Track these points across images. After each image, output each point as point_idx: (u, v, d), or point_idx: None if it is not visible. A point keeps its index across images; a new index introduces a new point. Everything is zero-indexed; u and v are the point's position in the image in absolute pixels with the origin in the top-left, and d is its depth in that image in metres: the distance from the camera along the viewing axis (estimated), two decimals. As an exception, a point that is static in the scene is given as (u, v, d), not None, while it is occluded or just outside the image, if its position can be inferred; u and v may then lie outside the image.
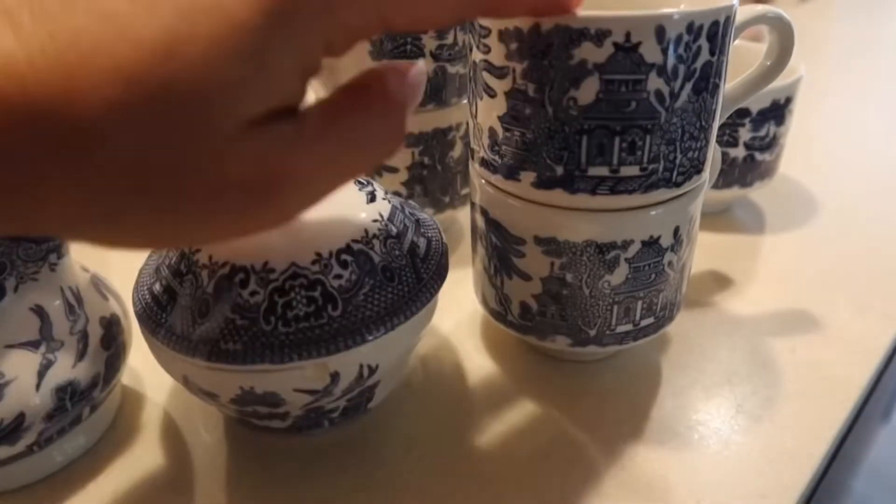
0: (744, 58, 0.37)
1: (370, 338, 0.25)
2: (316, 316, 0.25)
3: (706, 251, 0.42)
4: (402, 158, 0.38)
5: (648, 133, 0.25)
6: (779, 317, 0.36)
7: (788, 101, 0.40)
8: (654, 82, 0.24)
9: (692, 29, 0.24)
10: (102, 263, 0.40)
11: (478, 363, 0.34)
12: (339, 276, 0.26)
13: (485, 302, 0.33)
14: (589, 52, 0.24)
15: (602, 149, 0.25)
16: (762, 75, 0.31)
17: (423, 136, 0.38)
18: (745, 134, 0.40)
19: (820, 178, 0.50)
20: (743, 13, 0.28)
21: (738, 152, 0.41)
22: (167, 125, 0.14)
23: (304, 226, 0.26)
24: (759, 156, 0.41)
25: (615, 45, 0.24)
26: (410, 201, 0.33)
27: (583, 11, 0.23)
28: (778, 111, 0.40)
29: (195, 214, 0.15)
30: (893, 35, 0.84)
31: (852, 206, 0.46)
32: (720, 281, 0.39)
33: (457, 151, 0.39)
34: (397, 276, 0.27)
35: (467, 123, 0.39)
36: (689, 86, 0.25)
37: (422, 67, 0.19)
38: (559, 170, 0.26)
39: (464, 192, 0.41)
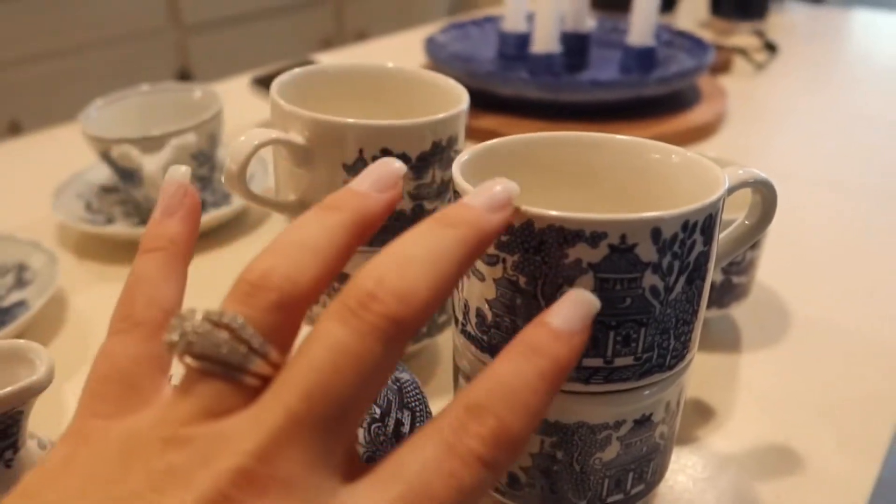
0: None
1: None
2: (298, 524, 0.24)
3: (685, 373, 0.41)
4: (379, 294, 0.37)
5: (643, 326, 0.24)
6: (762, 455, 0.36)
7: (763, 225, 0.40)
8: (650, 279, 0.24)
9: (687, 227, 0.24)
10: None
11: (461, 518, 0.33)
12: (322, 477, 0.24)
13: (469, 461, 0.32)
14: (583, 252, 0.23)
15: (596, 342, 0.25)
16: (743, 235, 0.30)
17: (400, 271, 0.36)
18: (722, 259, 0.40)
19: (791, 282, 0.50)
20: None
21: (716, 277, 0.41)
22: None
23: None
24: (735, 279, 0.41)
25: (610, 246, 0.23)
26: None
27: (577, 213, 0.23)
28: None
29: None
30: (855, 109, 0.86)
31: (827, 316, 0.47)
32: (702, 413, 0.39)
33: (434, 283, 0.38)
34: (383, 467, 0.26)
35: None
36: (683, 278, 0.24)
37: None
38: (551, 359, 0.25)
39: (440, 320, 0.40)
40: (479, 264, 0.26)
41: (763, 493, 0.34)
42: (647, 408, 0.27)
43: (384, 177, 0.21)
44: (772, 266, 0.50)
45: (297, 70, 0.38)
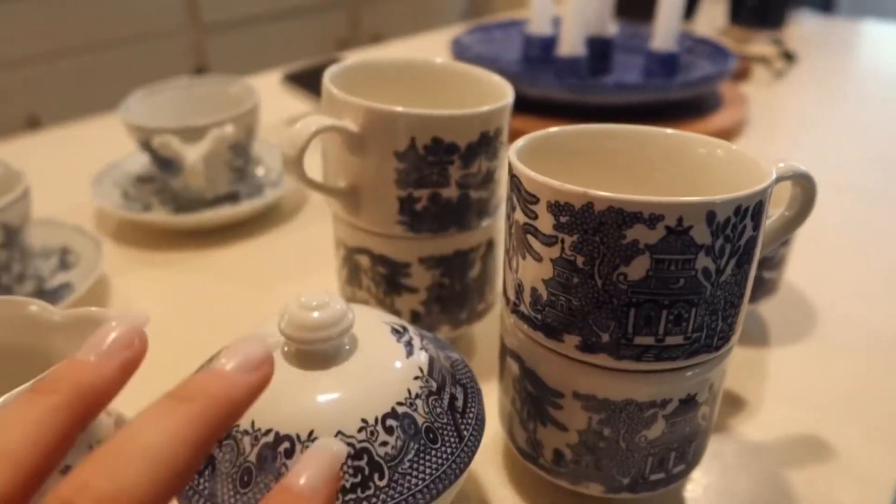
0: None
1: (416, 508, 0.25)
2: (363, 487, 0.25)
3: (714, 366, 0.42)
4: (423, 279, 0.38)
5: (694, 306, 0.26)
6: (793, 444, 0.37)
7: (794, 222, 0.41)
8: (703, 261, 0.25)
9: (739, 211, 0.25)
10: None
11: (502, 496, 0.34)
12: (385, 444, 0.25)
13: (513, 439, 0.33)
14: (641, 234, 0.24)
15: (649, 320, 0.26)
16: (784, 226, 0.31)
17: (444, 258, 0.38)
18: (753, 255, 0.41)
19: (816, 280, 0.51)
20: (772, 173, 0.29)
21: (747, 271, 0.42)
22: None
23: (350, 390, 0.26)
24: (766, 275, 0.42)
25: (667, 228, 0.24)
26: (438, 336, 0.33)
27: (635, 195, 0.24)
28: (784, 232, 0.41)
29: None
30: (872, 117, 0.87)
31: (851, 313, 0.48)
32: (734, 403, 0.40)
33: (475, 271, 0.39)
34: (440, 437, 0.27)
35: (486, 244, 0.39)
36: (733, 261, 0.26)
37: None
38: (605, 337, 0.26)
39: (479, 307, 0.41)
40: (536, 244, 0.27)
41: (795, 481, 0.35)
42: (692, 387, 0.28)
43: (120, 352, 0.19)
44: (798, 265, 0.51)
45: (347, 62, 0.39)
